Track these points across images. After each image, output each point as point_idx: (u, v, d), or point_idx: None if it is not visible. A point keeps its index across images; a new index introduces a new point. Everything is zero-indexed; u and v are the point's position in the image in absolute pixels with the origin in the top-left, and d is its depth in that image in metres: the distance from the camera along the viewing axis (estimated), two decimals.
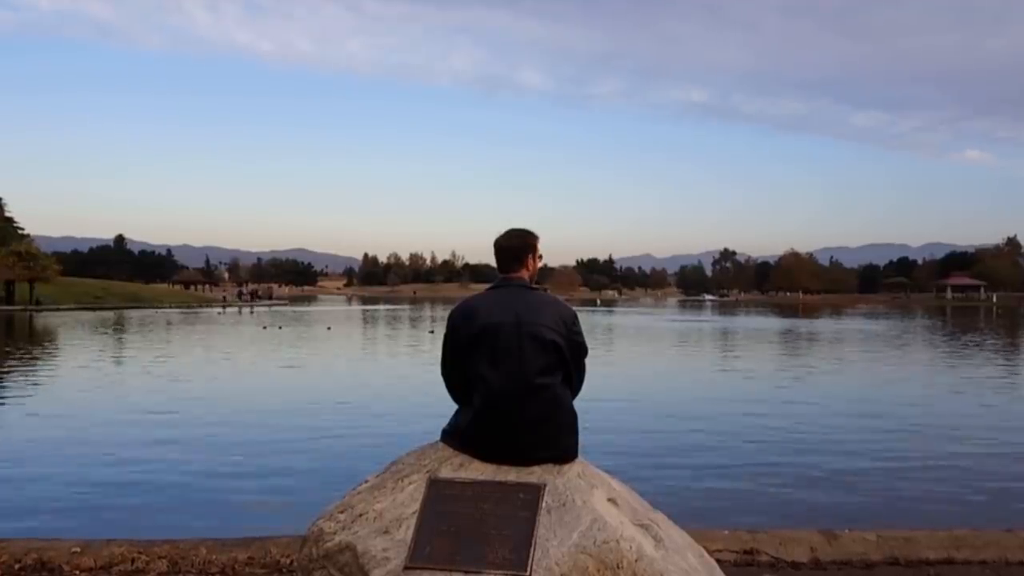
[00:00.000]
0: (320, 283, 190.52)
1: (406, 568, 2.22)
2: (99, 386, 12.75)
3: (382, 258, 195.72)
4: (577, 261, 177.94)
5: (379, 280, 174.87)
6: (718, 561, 2.85)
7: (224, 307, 62.59)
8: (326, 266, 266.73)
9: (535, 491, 2.37)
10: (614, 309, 65.78)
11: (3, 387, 12.66)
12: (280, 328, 31.05)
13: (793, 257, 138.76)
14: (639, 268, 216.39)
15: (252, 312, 54.60)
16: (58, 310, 49.08)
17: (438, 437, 2.69)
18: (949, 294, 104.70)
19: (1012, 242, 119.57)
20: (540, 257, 2.78)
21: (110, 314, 44.70)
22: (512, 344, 2.48)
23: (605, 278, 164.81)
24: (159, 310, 54.43)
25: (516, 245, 2.70)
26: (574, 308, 2.75)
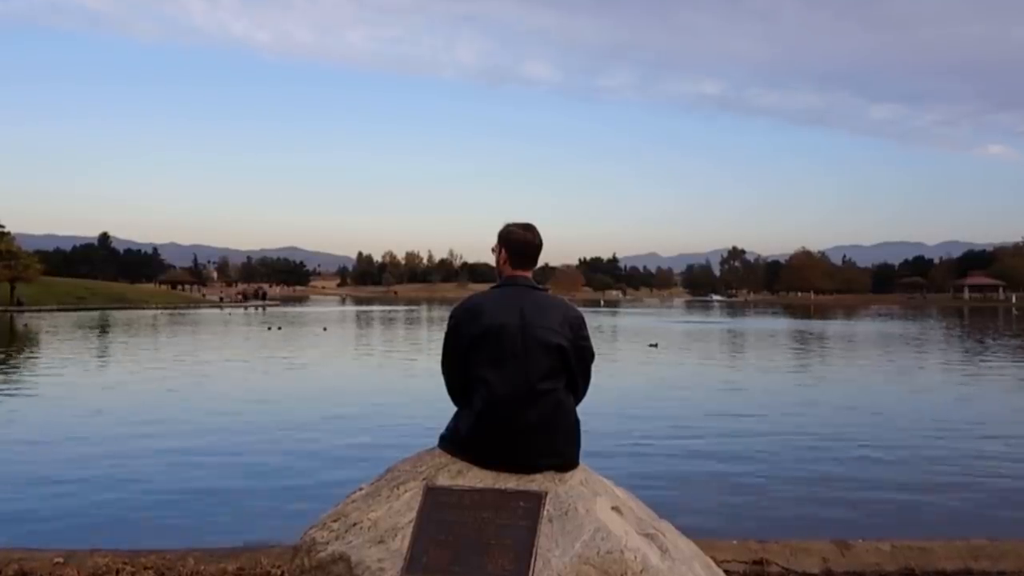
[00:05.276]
0: (313, 283, 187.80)
1: None
2: (89, 390, 12.65)
3: (377, 257, 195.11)
4: (580, 260, 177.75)
5: (374, 280, 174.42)
6: (726, 572, 2.79)
7: (222, 307, 62.77)
8: (318, 265, 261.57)
9: (536, 499, 2.33)
10: (618, 310, 65.62)
11: None
12: (280, 328, 31.15)
13: (804, 256, 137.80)
14: (644, 267, 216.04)
15: (263, 311, 54.88)
16: (40, 311, 48.16)
17: (435, 443, 2.62)
18: (966, 294, 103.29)
19: None
20: None
21: (95, 315, 44.01)
22: (516, 346, 2.42)
23: (609, 278, 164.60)
24: (158, 311, 53.74)
25: (539, 243, 2.64)
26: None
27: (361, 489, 2.59)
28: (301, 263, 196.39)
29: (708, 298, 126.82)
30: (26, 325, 33.33)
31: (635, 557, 2.21)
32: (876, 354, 21.12)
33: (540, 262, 2.79)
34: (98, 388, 13.02)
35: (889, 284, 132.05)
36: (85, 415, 10.01)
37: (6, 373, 15.10)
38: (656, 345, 22.69)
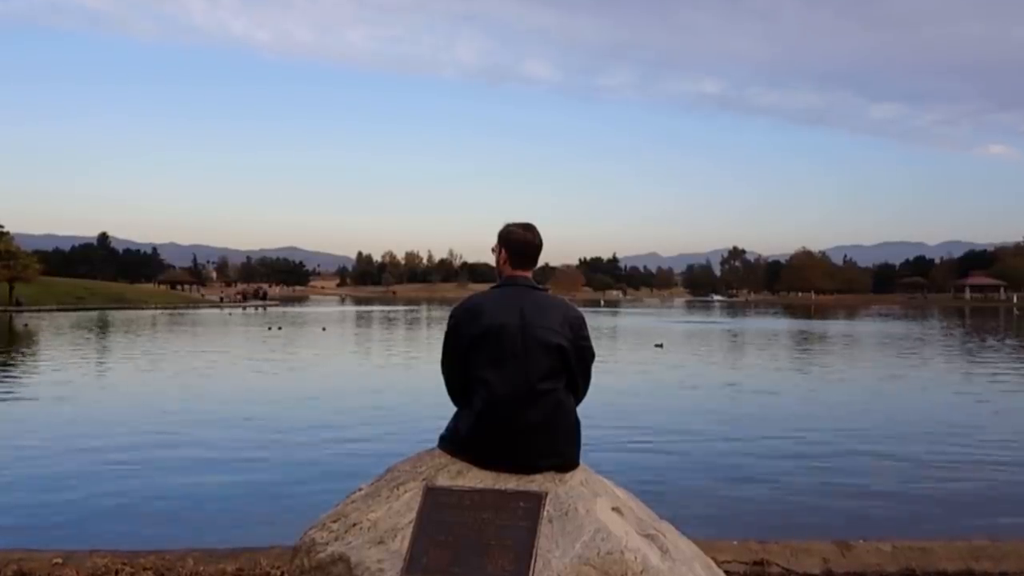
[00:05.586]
0: (312, 283, 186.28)
1: None
2: (84, 392, 12.58)
3: (377, 257, 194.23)
4: (580, 260, 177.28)
5: (374, 280, 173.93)
6: (727, 572, 2.78)
7: (221, 307, 62.76)
8: (318, 265, 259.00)
9: (536, 500, 2.32)
10: (618, 310, 65.56)
11: None
12: (280, 328, 31.14)
13: (805, 256, 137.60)
14: (644, 267, 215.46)
15: (264, 311, 54.85)
16: (39, 311, 48.05)
17: (435, 443, 2.61)
18: (967, 294, 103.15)
19: None
20: None
21: (94, 315, 43.89)
22: (516, 346, 2.41)
23: (609, 278, 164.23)
24: (157, 311, 53.50)
25: (539, 243, 2.63)
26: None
27: (361, 489, 2.58)
28: (300, 263, 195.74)
29: (709, 298, 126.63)
30: (26, 325, 33.31)
31: (635, 558, 2.20)
32: (877, 355, 21.10)
33: (540, 262, 2.78)
34: (97, 389, 13.01)
35: (890, 284, 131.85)
36: (84, 415, 10.00)
37: (5, 374, 15.09)
38: (661, 345, 22.66)
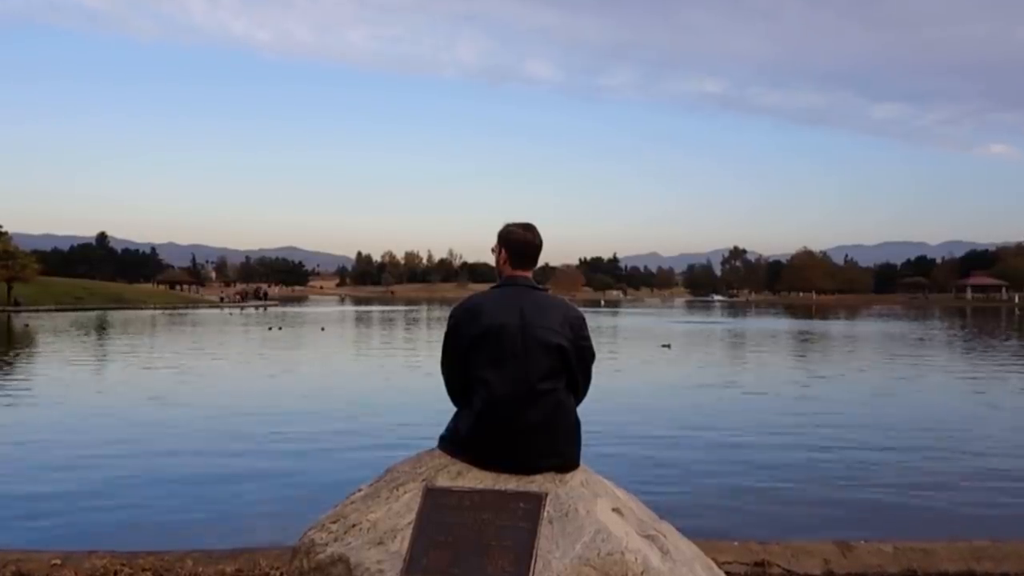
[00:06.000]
0: (312, 283, 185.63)
1: None
2: (83, 392, 12.57)
3: (376, 257, 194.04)
4: (580, 260, 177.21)
5: (373, 280, 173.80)
6: (727, 573, 2.78)
7: (221, 307, 62.81)
8: (317, 265, 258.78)
9: (536, 500, 2.31)
10: (619, 310, 65.52)
11: None
12: (280, 328, 31.14)
13: (806, 256, 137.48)
14: (645, 267, 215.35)
15: (264, 311, 54.86)
16: (38, 311, 47.96)
17: (435, 443, 2.60)
18: (969, 294, 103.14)
19: None
20: None
21: (93, 315, 43.76)
22: (516, 346, 2.41)
23: (610, 278, 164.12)
24: (156, 311, 53.21)
25: (539, 243, 2.63)
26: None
27: (360, 490, 2.57)
28: (300, 263, 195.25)
29: (709, 298, 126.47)
30: (27, 325, 33.30)
31: (636, 559, 2.20)
32: (878, 355, 21.08)
33: (540, 262, 2.78)
34: (96, 389, 13.00)
35: (891, 284, 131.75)
36: (83, 415, 9.99)
37: (4, 374, 15.10)
38: (669, 346, 22.65)
